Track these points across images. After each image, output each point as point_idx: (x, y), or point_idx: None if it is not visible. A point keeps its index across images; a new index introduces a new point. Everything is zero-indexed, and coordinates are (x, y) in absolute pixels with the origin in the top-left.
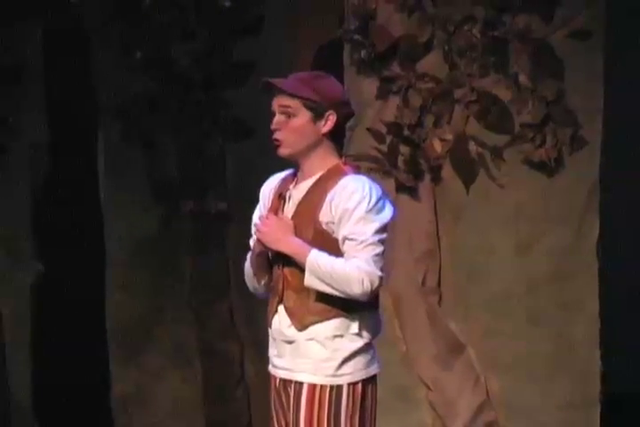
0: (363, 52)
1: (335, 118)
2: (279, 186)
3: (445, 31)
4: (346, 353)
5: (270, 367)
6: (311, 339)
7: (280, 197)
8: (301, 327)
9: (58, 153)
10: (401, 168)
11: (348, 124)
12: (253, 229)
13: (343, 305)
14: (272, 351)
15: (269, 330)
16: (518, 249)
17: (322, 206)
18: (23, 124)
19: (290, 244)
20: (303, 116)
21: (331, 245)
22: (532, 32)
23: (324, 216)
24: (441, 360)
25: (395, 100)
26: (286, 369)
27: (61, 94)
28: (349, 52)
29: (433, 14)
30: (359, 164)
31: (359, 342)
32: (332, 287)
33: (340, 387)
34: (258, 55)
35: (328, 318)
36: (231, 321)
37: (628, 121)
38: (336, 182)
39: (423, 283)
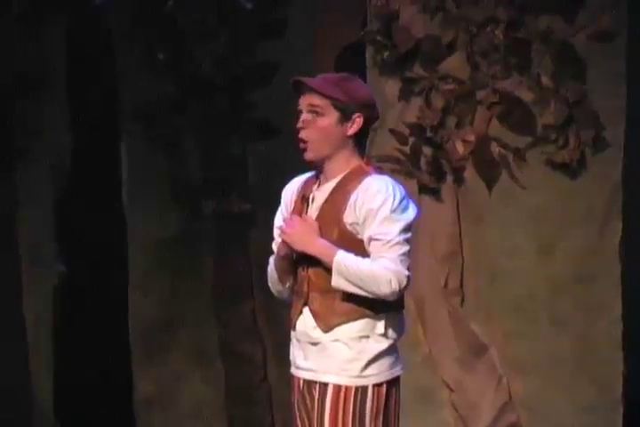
0: (385, 54)
1: (362, 120)
2: (302, 188)
3: (468, 32)
4: (371, 354)
5: (293, 369)
6: (336, 340)
7: (303, 199)
8: (327, 329)
9: (81, 155)
10: (423, 169)
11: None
12: (275, 233)
13: (369, 306)
14: (296, 353)
15: (292, 332)
16: (541, 250)
17: (346, 207)
18: (46, 127)
19: (316, 245)
20: (331, 117)
21: (356, 246)
22: (555, 33)
23: (349, 217)
24: (463, 362)
25: (417, 102)
26: (311, 370)
27: (84, 97)
28: (372, 53)
29: (455, 15)
30: (382, 165)
31: (385, 343)
32: (360, 288)
33: (365, 388)
34: (281, 56)
35: (354, 319)
36: (254, 322)
37: None
38: (359, 183)
39: (445, 284)
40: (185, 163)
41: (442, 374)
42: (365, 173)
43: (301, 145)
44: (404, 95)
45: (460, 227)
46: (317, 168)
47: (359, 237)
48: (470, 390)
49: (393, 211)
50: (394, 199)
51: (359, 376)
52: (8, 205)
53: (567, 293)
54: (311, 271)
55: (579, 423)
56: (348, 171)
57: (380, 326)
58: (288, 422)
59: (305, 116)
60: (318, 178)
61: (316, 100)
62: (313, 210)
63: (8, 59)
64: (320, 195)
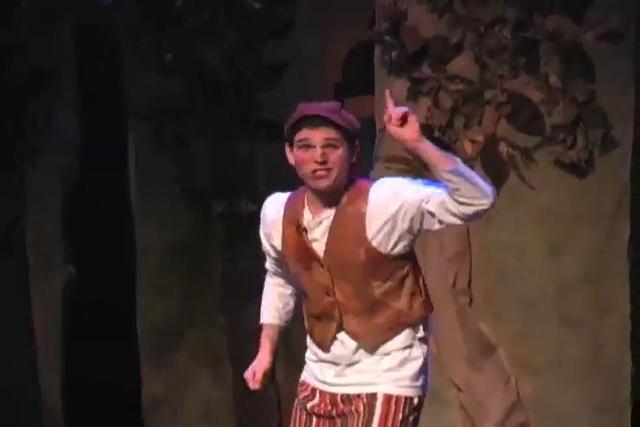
0: (393, 54)
1: (360, 146)
2: (287, 211)
3: (476, 32)
4: (418, 363)
5: (318, 384)
6: (383, 355)
7: (299, 227)
8: (373, 349)
9: (89, 156)
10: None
11: (379, 127)
12: (267, 251)
13: (408, 315)
14: (325, 371)
15: (323, 354)
16: (549, 250)
17: (366, 226)
18: (55, 127)
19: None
20: (344, 147)
21: (383, 264)
22: (563, 33)
23: (373, 232)
24: (472, 362)
25: (425, 102)
26: (350, 385)
27: (93, 97)
28: (380, 53)
29: (463, 15)
30: (389, 165)
31: (425, 347)
32: (475, 184)
33: (412, 398)
34: (289, 56)
35: (399, 332)
36: None
37: None
38: (366, 200)
39: (454, 284)
40: (193, 164)
41: (450, 374)
42: (364, 188)
43: (322, 173)
44: (413, 95)
45: (468, 226)
46: (321, 194)
47: (385, 252)
48: (479, 391)
49: (407, 184)
50: (401, 180)
51: (409, 386)
52: (17, 205)
53: (575, 292)
54: (339, 296)
55: (587, 423)
56: (347, 191)
57: (421, 331)
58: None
59: (324, 150)
60: (304, 203)
61: (333, 133)
62: (317, 237)
63: (19, 59)
64: (322, 221)
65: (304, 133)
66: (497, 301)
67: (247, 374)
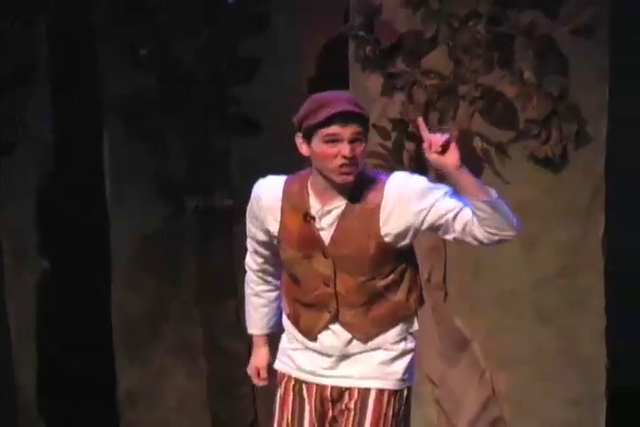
0: (367, 49)
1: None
2: (289, 199)
3: (450, 27)
4: (409, 357)
5: (309, 377)
6: (375, 348)
7: (306, 216)
8: (367, 340)
9: (63, 151)
10: (406, 164)
11: None
12: (250, 244)
13: (404, 309)
14: (317, 363)
15: (311, 343)
16: (524, 245)
17: (380, 219)
18: (29, 123)
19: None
20: (365, 140)
21: (392, 258)
22: (537, 28)
23: (387, 226)
24: (446, 356)
25: (400, 97)
26: (344, 377)
27: (67, 92)
28: (354, 48)
29: (438, 10)
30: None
31: (414, 342)
32: (503, 213)
33: (402, 391)
34: (263, 52)
35: (393, 326)
36: (237, 319)
37: (633, 116)
38: (382, 191)
39: (429, 279)
40: (168, 159)
41: (425, 369)
42: (377, 180)
43: (349, 169)
44: (387, 90)
45: None
46: (334, 185)
47: (398, 246)
48: (453, 385)
49: (433, 187)
50: (422, 179)
51: (401, 380)
52: None
53: (550, 287)
54: (340, 288)
55: (562, 417)
56: (357, 181)
57: (414, 324)
58: (272, 418)
59: (352, 145)
60: (307, 190)
61: (359, 128)
62: (327, 225)
63: None
64: (331, 211)
65: (333, 129)
66: (472, 296)
67: (251, 372)
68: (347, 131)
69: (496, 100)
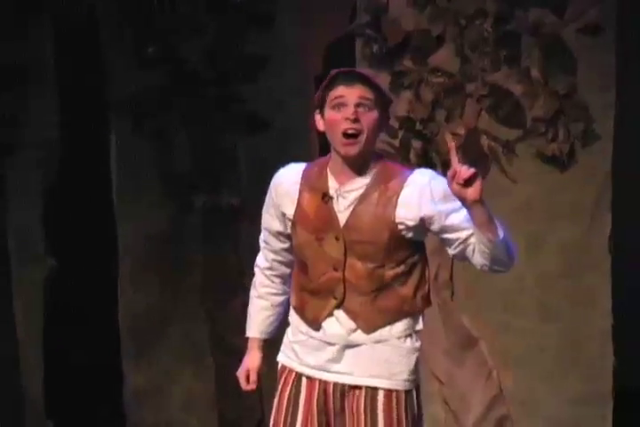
0: (374, 47)
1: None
2: (307, 180)
3: (457, 25)
4: (415, 355)
5: (312, 371)
6: (379, 341)
7: (324, 195)
8: (370, 330)
9: (70, 150)
10: (413, 162)
11: None
12: (264, 235)
13: (409, 305)
14: (321, 355)
15: (314, 332)
16: (530, 244)
17: (397, 207)
18: (34, 122)
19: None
20: (377, 111)
21: (404, 247)
22: (544, 26)
23: (402, 216)
24: (453, 355)
25: (407, 95)
26: (349, 374)
27: (73, 91)
28: (361, 46)
29: (445, 8)
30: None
31: (420, 342)
32: (508, 252)
33: (411, 391)
34: (269, 50)
35: (398, 319)
36: (244, 318)
37: None
38: (404, 181)
39: (435, 277)
40: (174, 157)
41: (432, 367)
42: (399, 169)
43: (350, 139)
44: (394, 88)
45: None
46: (348, 163)
47: (408, 236)
48: (460, 383)
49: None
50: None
51: (408, 380)
52: None
53: (557, 286)
54: (349, 273)
55: (569, 416)
56: (377, 167)
57: (419, 322)
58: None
59: (355, 108)
60: (326, 172)
61: (368, 93)
62: (343, 208)
63: None
64: (349, 192)
65: (339, 91)
66: (478, 294)
67: (241, 375)
68: (352, 93)
69: (503, 98)
